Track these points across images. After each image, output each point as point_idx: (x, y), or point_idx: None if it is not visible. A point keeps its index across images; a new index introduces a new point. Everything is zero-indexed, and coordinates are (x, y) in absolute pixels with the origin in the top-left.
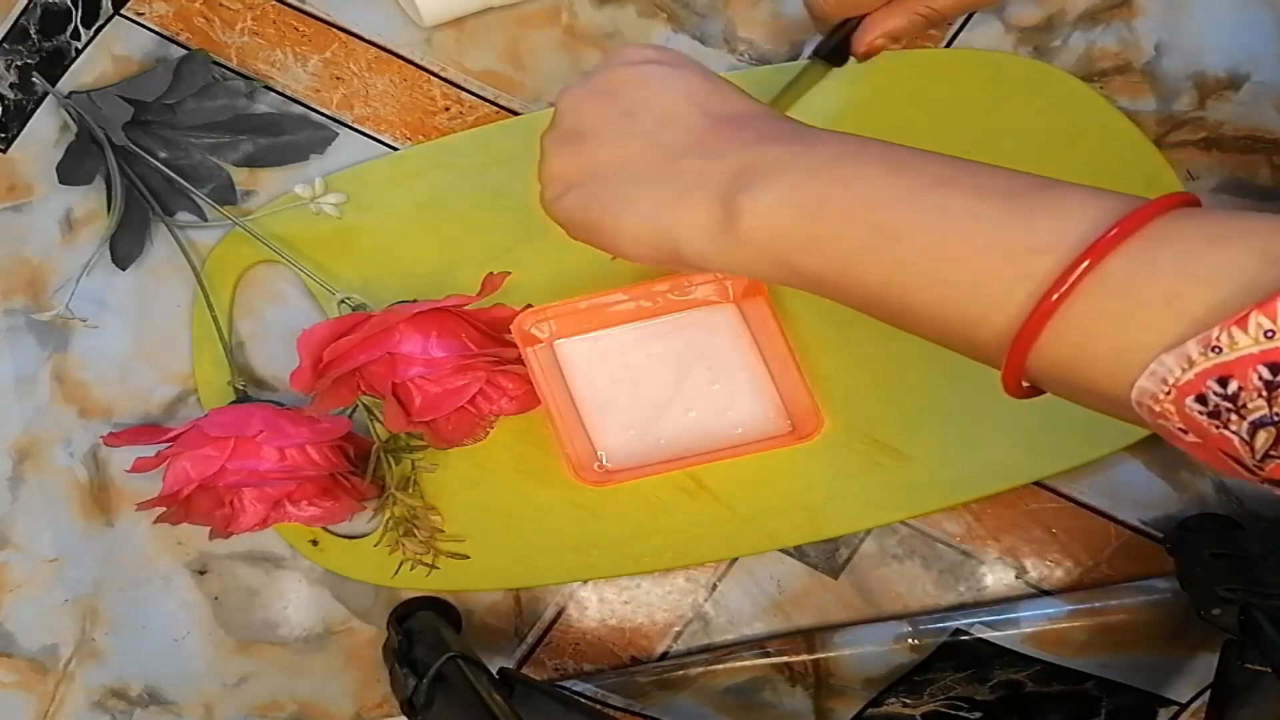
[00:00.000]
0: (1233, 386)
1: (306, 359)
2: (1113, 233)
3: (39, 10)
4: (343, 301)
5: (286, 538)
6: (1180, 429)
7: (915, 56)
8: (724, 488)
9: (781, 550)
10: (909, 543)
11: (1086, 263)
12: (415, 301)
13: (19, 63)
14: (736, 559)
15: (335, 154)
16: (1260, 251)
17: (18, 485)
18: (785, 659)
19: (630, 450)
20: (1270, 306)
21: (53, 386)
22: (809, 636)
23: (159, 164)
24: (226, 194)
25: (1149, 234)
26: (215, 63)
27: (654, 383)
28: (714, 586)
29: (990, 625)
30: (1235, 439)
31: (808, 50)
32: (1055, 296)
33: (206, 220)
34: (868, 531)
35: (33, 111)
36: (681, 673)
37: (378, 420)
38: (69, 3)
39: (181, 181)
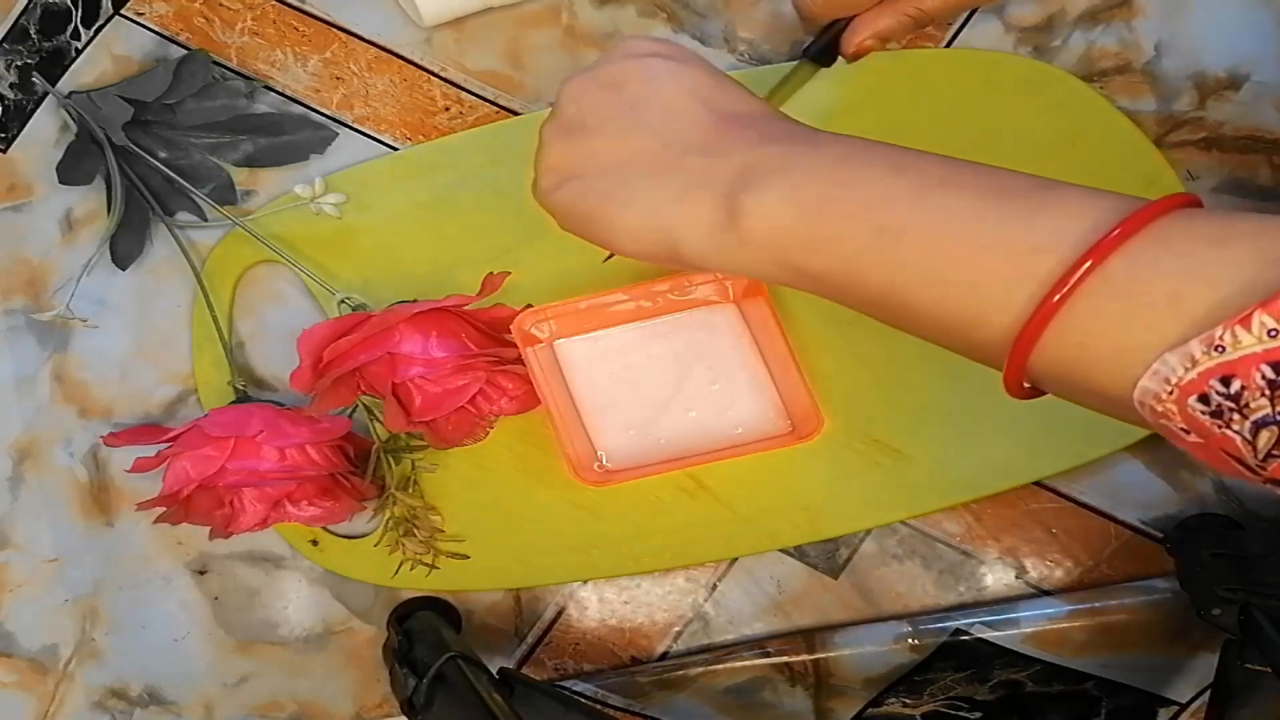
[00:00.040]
0: (1236, 386)
1: (306, 359)
2: (1115, 233)
3: (39, 10)
4: (343, 301)
5: (286, 538)
6: (1182, 429)
7: (915, 56)
8: (724, 488)
9: (781, 550)
10: (909, 543)
11: (1089, 263)
12: (415, 301)
13: (19, 63)
14: (736, 559)
15: (335, 154)
16: (1263, 252)
17: (18, 485)
18: (785, 659)
19: (630, 450)
20: (1274, 306)
21: (53, 386)
22: (809, 636)
23: (159, 164)
24: (226, 194)
25: (1151, 234)
26: (215, 63)
27: (654, 383)
28: (714, 586)
29: (990, 625)
30: (1238, 439)
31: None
32: (1057, 297)
33: (206, 220)
34: (868, 531)
35: (33, 111)
36: (681, 673)
37: (378, 420)
38: (69, 3)
39: (181, 181)
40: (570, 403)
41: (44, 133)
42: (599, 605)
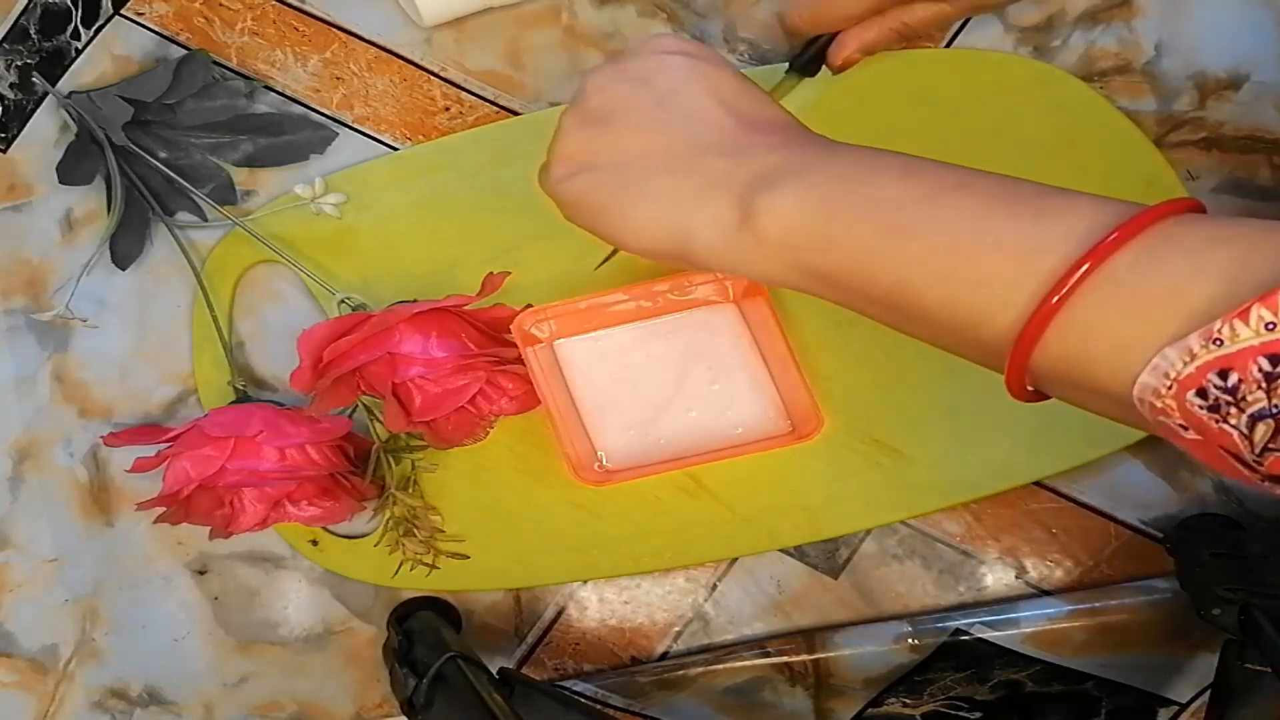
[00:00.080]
0: (1233, 379)
1: (306, 359)
2: (1118, 233)
3: (39, 10)
4: (343, 301)
5: (286, 538)
6: (1181, 425)
7: (915, 56)
8: (724, 488)
9: (781, 550)
10: (909, 543)
11: (1091, 260)
12: (415, 301)
13: (19, 63)
14: (736, 559)
15: (335, 154)
16: (1265, 250)
17: (18, 485)
18: (785, 659)
19: (630, 450)
20: (1272, 299)
21: (53, 386)
22: (809, 636)
23: (159, 164)
24: (226, 194)
25: (1154, 235)
26: (215, 63)
27: (654, 383)
28: (714, 586)
29: (990, 625)
30: (1235, 433)
31: None
32: (1058, 296)
33: (206, 220)
34: (868, 531)
35: (33, 111)
36: (681, 673)
37: (378, 420)
38: (69, 3)
39: (181, 181)
40: (570, 403)
41: (44, 133)
42: (599, 605)
